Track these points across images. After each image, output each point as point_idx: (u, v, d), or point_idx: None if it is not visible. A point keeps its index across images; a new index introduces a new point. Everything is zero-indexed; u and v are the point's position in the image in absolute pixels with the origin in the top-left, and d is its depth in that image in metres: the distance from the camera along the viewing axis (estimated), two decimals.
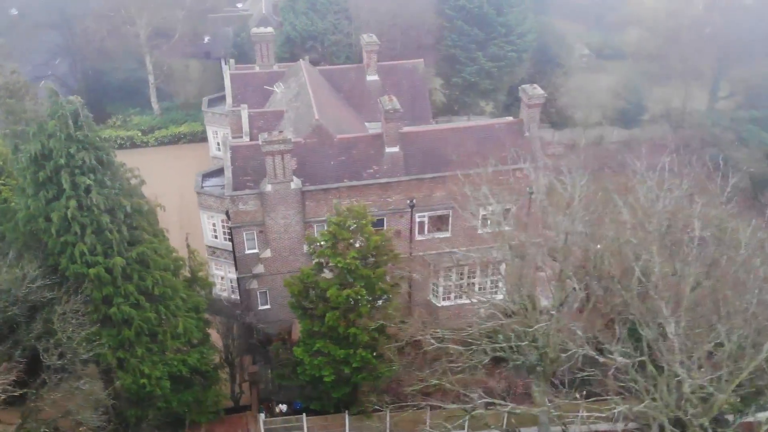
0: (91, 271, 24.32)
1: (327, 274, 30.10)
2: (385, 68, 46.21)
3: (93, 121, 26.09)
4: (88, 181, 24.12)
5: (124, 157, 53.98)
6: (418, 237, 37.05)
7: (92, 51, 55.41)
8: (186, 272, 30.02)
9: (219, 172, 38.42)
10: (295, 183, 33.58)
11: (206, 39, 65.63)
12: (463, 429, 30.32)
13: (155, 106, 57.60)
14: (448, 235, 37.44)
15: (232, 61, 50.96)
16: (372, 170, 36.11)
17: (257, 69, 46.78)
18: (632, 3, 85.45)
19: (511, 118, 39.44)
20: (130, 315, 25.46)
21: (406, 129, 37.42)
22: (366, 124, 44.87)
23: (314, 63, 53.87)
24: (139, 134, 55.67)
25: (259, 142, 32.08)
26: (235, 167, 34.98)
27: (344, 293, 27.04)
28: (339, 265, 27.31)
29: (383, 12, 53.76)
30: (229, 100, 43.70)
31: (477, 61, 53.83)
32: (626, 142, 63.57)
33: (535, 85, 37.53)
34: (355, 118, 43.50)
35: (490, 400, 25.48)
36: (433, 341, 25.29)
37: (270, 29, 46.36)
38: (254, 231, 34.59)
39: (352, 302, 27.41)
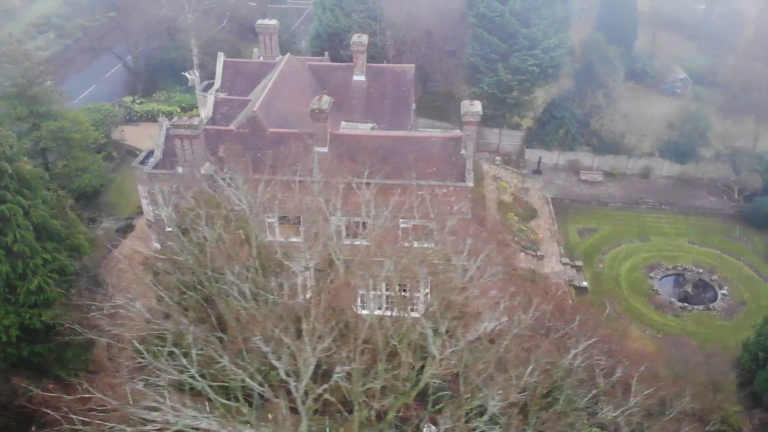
0: None
1: None
2: (374, 70, 45.83)
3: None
4: None
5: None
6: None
7: (145, 30, 60.33)
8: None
9: None
10: (206, 168, 34.68)
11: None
12: None
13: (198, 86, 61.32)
14: (366, 242, 36.64)
15: (255, 50, 53.05)
16: (295, 167, 36.21)
17: (261, 59, 48.47)
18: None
19: (456, 132, 37.50)
20: None
21: (340, 131, 37.12)
22: (343, 123, 44.99)
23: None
24: (179, 110, 59.61)
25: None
26: (166, 147, 36.80)
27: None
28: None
29: (410, 14, 53.12)
30: (216, 85, 45.78)
31: (497, 73, 51.51)
32: (677, 178, 57.90)
33: (474, 102, 35.51)
34: None
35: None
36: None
37: (274, 21, 47.65)
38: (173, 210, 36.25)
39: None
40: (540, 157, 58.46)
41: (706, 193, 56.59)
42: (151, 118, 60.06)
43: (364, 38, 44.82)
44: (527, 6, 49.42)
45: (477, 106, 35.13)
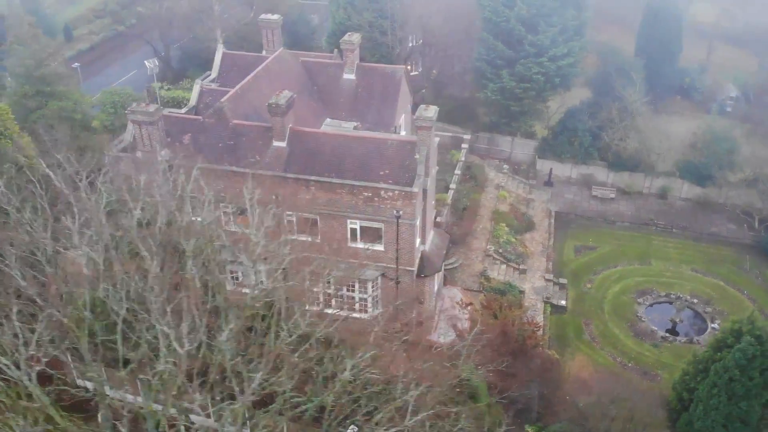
0: None
1: None
2: (364, 69, 45.77)
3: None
4: None
5: None
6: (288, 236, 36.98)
7: (175, 19, 62.90)
8: None
9: None
10: (163, 154, 35.82)
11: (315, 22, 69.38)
12: None
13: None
14: (317, 240, 36.79)
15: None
16: (254, 160, 36.82)
17: (264, 53, 49.38)
18: None
19: (407, 137, 36.86)
20: None
21: (301, 128, 37.24)
22: (328, 119, 45.22)
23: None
24: None
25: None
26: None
27: None
28: None
29: (422, 14, 52.62)
30: (212, 75, 47.15)
31: (501, 79, 50.24)
32: (697, 201, 54.60)
33: (429, 106, 34.78)
34: (311, 111, 44.01)
35: None
36: None
37: (276, 16, 48.33)
38: None
39: None
40: (551, 169, 56.56)
41: (725, 220, 53.01)
42: (176, 104, 62.41)
43: (355, 37, 44.89)
44: (535, 12, 47.87)
45: (430, 111, 34.46)
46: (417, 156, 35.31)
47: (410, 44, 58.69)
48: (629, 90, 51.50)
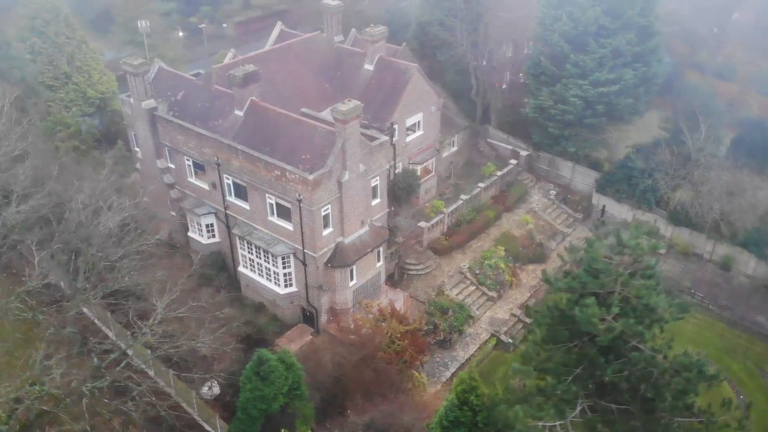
0: None
1: None
2: (384, 62, 46.26)
3: None
4: None
5: None
6: (228, 197, 40.05)
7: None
8: None
9: None
10: (146, 104, 41.01)
11: None
12: None
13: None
14: (247, 207, 39.26)
15: (353, 30, 56.93)
16: (217, 122, 40.39)
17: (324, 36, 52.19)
18: None
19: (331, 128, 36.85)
20: None
21: (259, 102, 39.54)
22: (339, 105, 46.55)
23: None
24: None
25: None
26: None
27: None
28: None
29: (492, 18, 50.79)
30: (266, 47, 51.28)
31: (540, 96, 46.67)
32: (764, 283, 45.61)
33: (348, 101, 34.95)
34: (321, 94, 45.80)
35: None
36: None
37: (336, 2, 50.52)
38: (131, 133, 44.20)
39: None
40: (604, 206, 51.03)
41: None
42: None
43: (378, 30, 45.58)
44: (582, 30, 43.44)
45: (346, 106, 34.62)
46: (334, 147, 35.81)
47: (525, 51, 56.79)
48: (694, 134, 44.25)
